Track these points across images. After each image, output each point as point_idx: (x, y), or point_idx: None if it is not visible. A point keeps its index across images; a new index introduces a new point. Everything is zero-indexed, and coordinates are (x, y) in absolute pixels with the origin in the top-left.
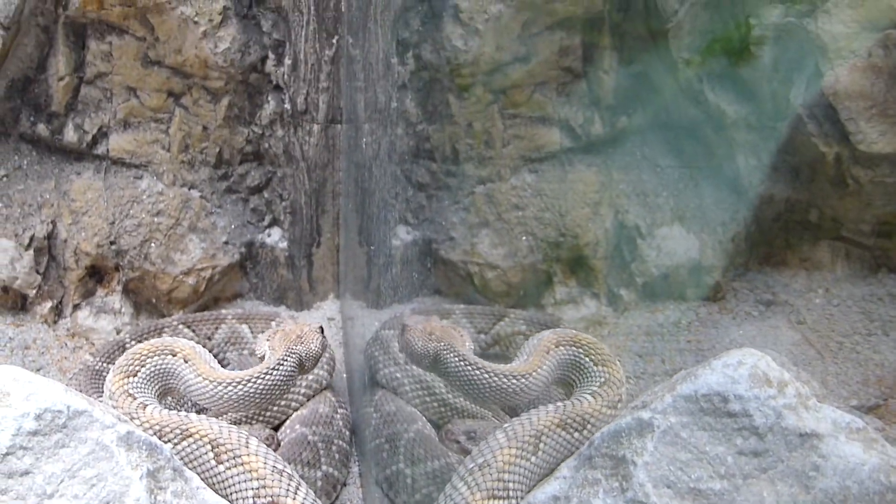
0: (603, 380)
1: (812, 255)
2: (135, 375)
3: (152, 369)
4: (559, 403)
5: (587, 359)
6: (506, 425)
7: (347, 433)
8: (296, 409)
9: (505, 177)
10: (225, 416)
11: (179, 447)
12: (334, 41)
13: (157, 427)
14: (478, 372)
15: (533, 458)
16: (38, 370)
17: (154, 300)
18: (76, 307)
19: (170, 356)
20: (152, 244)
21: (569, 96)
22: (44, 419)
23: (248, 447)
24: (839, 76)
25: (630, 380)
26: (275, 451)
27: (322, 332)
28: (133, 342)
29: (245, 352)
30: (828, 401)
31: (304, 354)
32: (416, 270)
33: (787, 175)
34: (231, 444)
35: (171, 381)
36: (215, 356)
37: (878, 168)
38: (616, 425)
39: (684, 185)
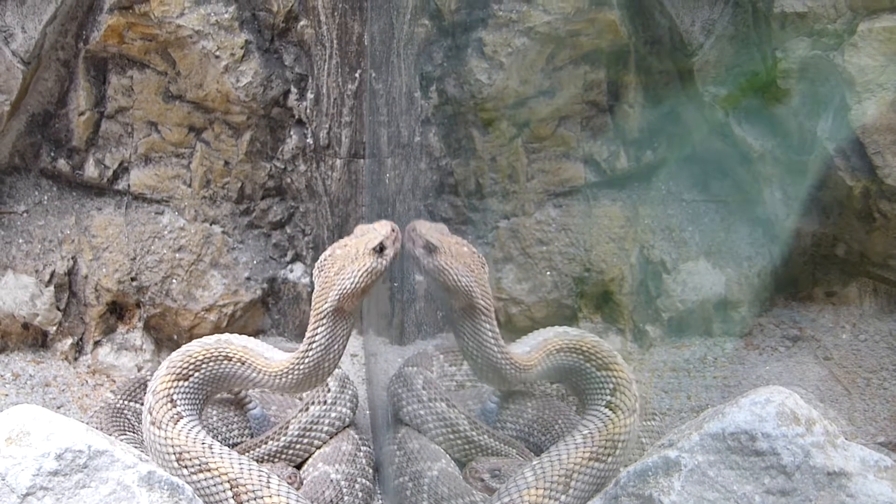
0: (612, 385)
1: (839, 291)
2: (186, 380)
3: (206, 375)
4: (584, 431)
5: (589, 365)
6: (534, 462)
7: (371, 471)
8: (318, 447)
9: (529, 211)
10: (250, 452)
11: (195, 479)
12: (357, 75)
13: (178, 450)
14: (491, 342)
15: (563, 498)
16: (59, 408)
17: (175, 337)
18: (97, 344)
19: (225, 361)
20: (174, 280)
21: (594, 130)
22: (64, 459)
23: (269, 487)
24: (866, 110)
25: (656, 416)
26: (297, 489)
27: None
28: None
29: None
30: (855, 438)
31: (343, 291)
32: (439, 306)
33: (814, 209)
34: (252, 484)
35: (226, 384)
36: (236, 394)
37: None
38: (643, 464)
39: (710, 219)
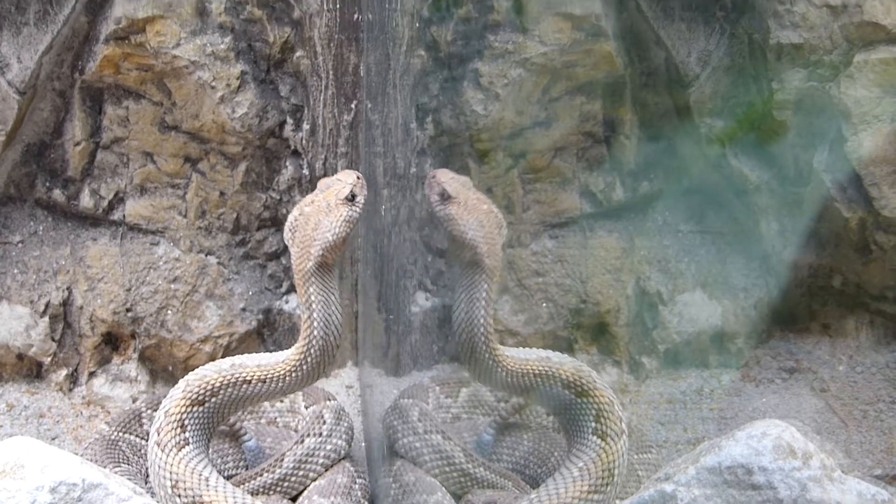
0: (595, 411)
1: (835, 322)
2: (201, 405)
3: (223, 399)
4: (580, 464)
5: (568, 392)
6: (532, 496)
7: None
8: (314, 480)
9: (525, 242)
10: (245, 485)
11: None
12: (353, 106)
13: (175, 478)
14: (482, 303)
15: None
16: (54, 439)
17: (171, 368)
18: (92, 375)
19: (244, 385)
20: (169, 311)
21: (590, 162)
22: (59, 492)
23: None
24: (862, 141)
25: (652, 448)
26: None
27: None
28: (149, 411)
29: (262, 420)
30: (852, 471)
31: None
32: (435, 337)
33: (811, 241)
34: None
35: (244, 405)
36: (232, 424)
37: None
38: (639, 497)
39: (706, 250)
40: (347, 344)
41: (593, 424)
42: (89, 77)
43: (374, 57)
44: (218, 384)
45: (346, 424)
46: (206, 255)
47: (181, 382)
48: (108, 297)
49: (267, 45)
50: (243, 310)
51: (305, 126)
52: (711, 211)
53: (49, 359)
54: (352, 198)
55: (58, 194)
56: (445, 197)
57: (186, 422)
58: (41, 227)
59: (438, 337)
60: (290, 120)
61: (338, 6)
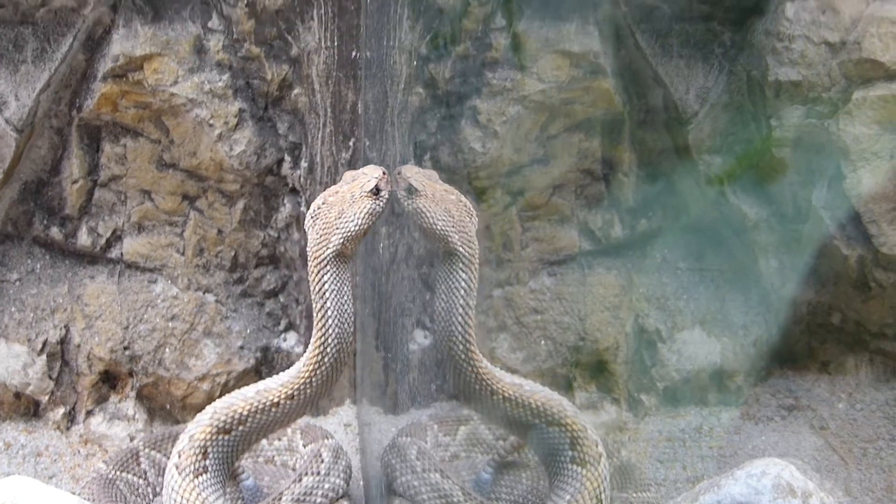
0: (569, 440)
1: (835, 360)
2: (227, 433)
3: (251, 427)
4: (567, 497)
5: (538, 421)
6: None
7: None
8: None
9: (524, 280)
10: None
11: None
12: (351, 143)
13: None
14: (461, 293)
15: None
16: (51, 478)
17: (168, 406)
18: (89, 413)
19: (274, 409)
20: (166, 349)
21: (588, 199)
22: None
23: None
24: (861, 178)
25: (651, 487)
26: None
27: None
28: (147, 449)
29: (260, 459)
30: None
31: (347, 234)
32: (433, 376)
33: (810, 278)
34: None
35: (272, 429)
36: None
37: None
38: None
39: (705, 288)
40: (346, 382)
41: (570, 453)
42: (87, 115)
43: (372, 94)
44: (246, 412)
45: (344, 463)
46: (203, 293)
47: (209, 409)
48: (106, 336)
49: (265, 83)
50: (241, 348)
51: (303, 163)
52: (710, 248)
53: (46, 397)
54: (376, 192)
55: (55, 232)
56: (412, 191)
57: (209, 449)
58: (39, 265)
59: (437, 375)
60: (288, 157)
61: (336, 44)
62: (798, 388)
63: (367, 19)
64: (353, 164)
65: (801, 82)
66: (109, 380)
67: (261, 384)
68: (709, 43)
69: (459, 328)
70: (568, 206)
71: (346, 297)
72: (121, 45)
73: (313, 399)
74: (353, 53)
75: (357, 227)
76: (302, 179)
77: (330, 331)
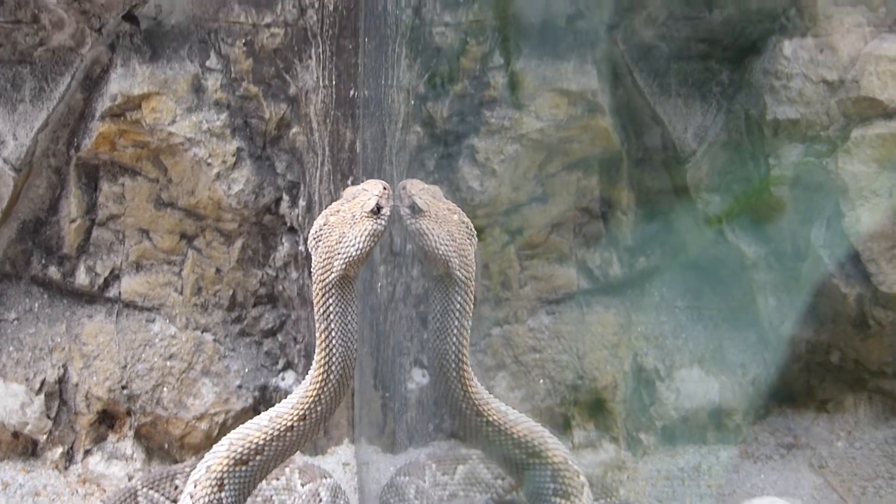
0: (551, 472)
1: (834, 398)
2: (245, 464)
3: (268, 455)
4: None
5: (518, 451)
6: None
7: None
8: None
9: (522, 318)
10: None
11: None
12: (349, 182)
13: None
14: (456, 315)
15: None
16: None
17: (166, 445)
18: (87, 453)
19: (289, 433)
20: (165, 388)
21: (586, 237)
22: None
23: None
24: (860, 217)
25: None
26: None
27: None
28: (145, 489)
29: (258, 499)
30: None
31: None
32: (431, 415)
33: (808, 317)
34: None
35: (287, 455)
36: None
37: None
38: None
39: (704, 326)
40: (344, 421)
41: (552, 486)
42: (85, 154)
43: (371, 133)
44: (262, 441)
45: (342, 502)
46: (202, 332)
47: (224, 440)
48: (104, 375)
49: (263, 122)
50: (239, 387)
51: (301, 202)
52: (709, 287)
53: (44, 436)
54: (377, 210)
55: (53, 271)
56: (416, 210)
57: (226, 481)
58: (37, 305)
59: (435, 414)
60: (286, 196)
61: (334, 83)
62: (797, 427)
63: (365, 58)
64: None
65: (800, 121)
66: (107, 419)
67: (271, 411)
68: (707, 82)
69: (453, 348)
70: (566, 244)
71: (350, 318)
72: (119, 85)
73: (324, 417)
74: (352, 92)
75: (358, 252)
76: (300, 218)
77: (334, 350)
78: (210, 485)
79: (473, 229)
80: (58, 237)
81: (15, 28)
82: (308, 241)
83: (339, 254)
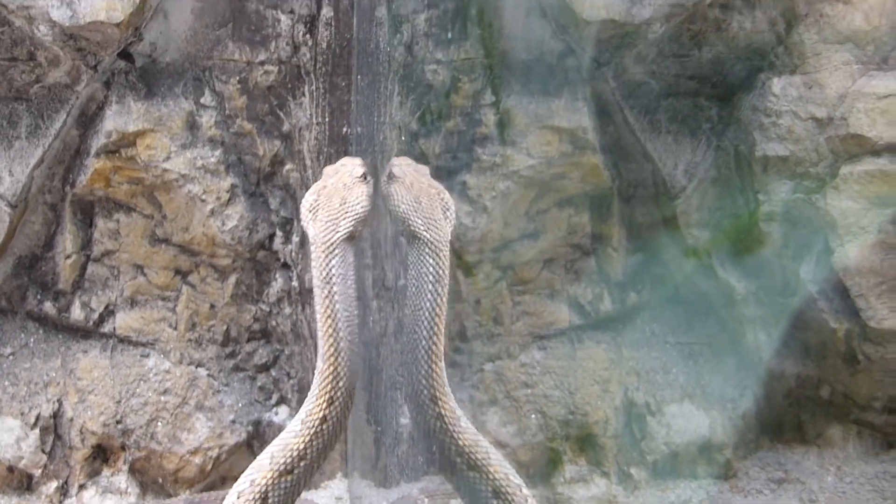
0: (492, 489)
1: (824, 433)
2: (290, 473)
3: (310, 459)
4: None
5: (459, 460)
6: None
7: None
8: None
9: (514, 354)
10: None
11: None
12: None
13: None
14: (430, 278)
15: None
16: None
17: (160, 480)
18: (82, 487)
19: (323, 426)
20: (159, 423)
21: (578, 273)
22: None
23: None
24: (849, 252)
25: None
26: None
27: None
28: None
29: None
30: None
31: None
32: (423, 449)
33: (798, 351)
34: None
35: (321, 461)
36: None
37: (890, 345)
38: None
39: (694, 361)
40: (337, 455)
41: (494, 502)
42: (80, 190)
43: None
44: (303, 445)
45: None
46: (196, 367)
47: (265, 454)
48: (99, 409)
49: (257, 159)
50: (233, 422)
51: (295, 238)
52: (699, 322)
53: (39, 471)
54: (365, 177)
55: (49, 307)
56: (391, 177)
57: (269, 494)
58: (32, 340)
59: (426, 448)
60: (279, 232)
61: (327, 120)
62: (787, 461)
63: (358, 95)
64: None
65: (789, 157)
66: (102, 453)
67: (300, 413)
68: (697, 119)
69: (427, 314)
70: (558, 280)
71: (350, 284)
72: (114, 122)
73: (349, 392)
74: (345, 129)
75: (363, 209)
76: (293, 254)
77: (338, 315)
78: (254, 499)
79: (452, 207)
80: (53, 273)
81: (11, 65)
82: (302, 216)
83: (345, 213)
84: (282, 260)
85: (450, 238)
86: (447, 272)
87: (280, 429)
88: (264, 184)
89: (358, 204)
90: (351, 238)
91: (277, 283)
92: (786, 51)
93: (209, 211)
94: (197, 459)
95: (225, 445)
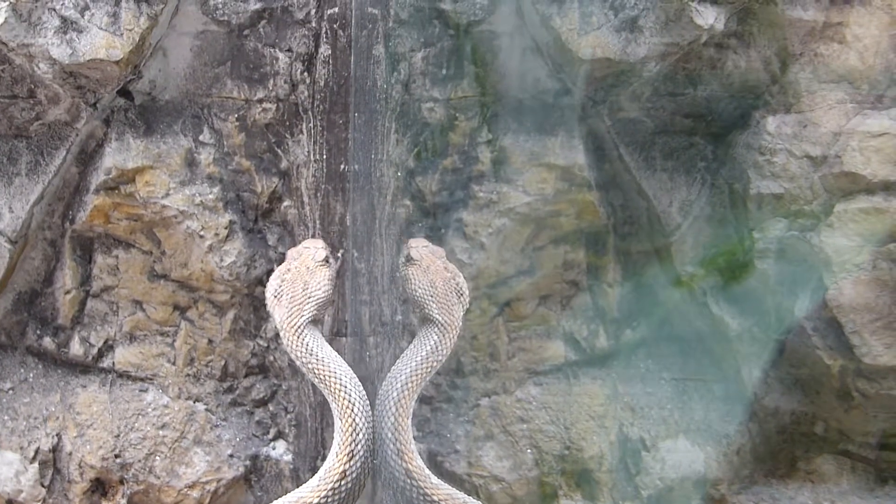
0: None
1: (818, 468)
2: None
3: None
4: None
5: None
6: None
7: None
8: None
9: (510, 389)
10: None
11: None
12: (339, 255)
13: None
14: (425, 357)
15: None
16: None
17: None
18: None
19: (342, 481)
20: (157, 457)
21: (574, 309)
22: None
23: None
24: (843, 289)
25: None
26: None
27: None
28: None
29: None
30: None
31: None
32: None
33: (792, 387)
34: None
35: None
36: None
37: (884, 381)
38: None
39: (689, 397)
40: None
41: None
42: (79, 227)
43: (360, 207)
44: (317, 501)
45: None
46: (194, 402)
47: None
48: (97, 444)
49: (255, 195)
50: (231, 456)
51: None
52: (693, 358)
53: None
54: (326, 260)
55: (48, 342)
56: (409, 259)
57: None
58: (32, 375)
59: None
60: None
61: (324, 157)
62: (782, 497)
63: (355, 133)
64: (341, 276)
65: (783, 195)
66: (101, 487)
67: (322, 468)
68: (691, 156)
69: (408, 371)
70: (554, 316)
71: (330, 349)
72: (113, 158)
73: (368, 454)
74: (342, 166)
75: (325, 294)
76: None
77: (338, 372)
78: None
79: (466, 291)
80: (52, 308)
81: (11, 103)
82: (268, 301)
83: (308, 298)
84: None
85: (460, 323)
86: (448, 351)
87: (277, 463)
88: (262, 220)
89: (319, 289)
90: (315, 321)
91: (275, 319)
92: (780, 89)
93: (207, 247)
94: (195, 493)
95: (223, 479)
